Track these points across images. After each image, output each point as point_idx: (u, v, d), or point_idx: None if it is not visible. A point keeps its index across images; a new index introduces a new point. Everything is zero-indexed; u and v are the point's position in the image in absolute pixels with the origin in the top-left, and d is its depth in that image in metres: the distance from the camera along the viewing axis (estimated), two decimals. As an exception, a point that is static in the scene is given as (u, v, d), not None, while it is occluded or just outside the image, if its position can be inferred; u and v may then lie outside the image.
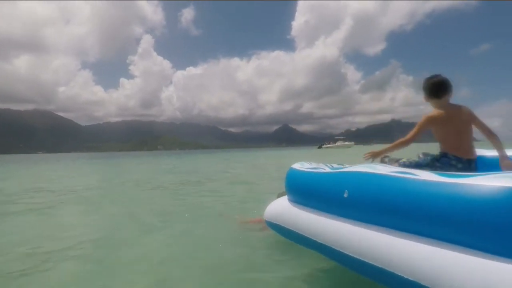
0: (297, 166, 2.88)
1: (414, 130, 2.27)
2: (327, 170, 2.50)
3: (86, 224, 4.59)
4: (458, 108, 2.24)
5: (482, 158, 2.47)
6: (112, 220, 4.75)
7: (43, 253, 3.16)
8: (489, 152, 2.55)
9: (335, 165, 2.77)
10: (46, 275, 2.62)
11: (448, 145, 2.23)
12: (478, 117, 2.22)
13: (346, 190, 2.13)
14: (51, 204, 6.29)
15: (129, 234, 3.82)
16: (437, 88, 2.24)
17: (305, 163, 2.90)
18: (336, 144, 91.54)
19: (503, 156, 2.23)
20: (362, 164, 2.27)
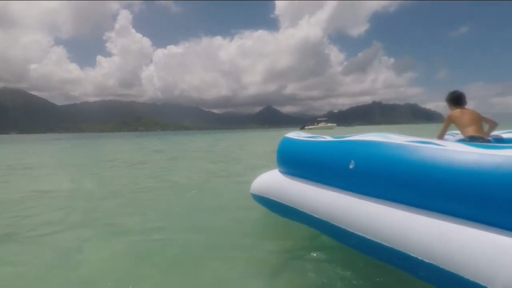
0: (292, 135, 2.56)
1: (443, 125, 3.11)
2: (329, 138, 2.19)
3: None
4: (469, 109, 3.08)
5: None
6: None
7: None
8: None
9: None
10: None
11: (467, 131, 2.89)
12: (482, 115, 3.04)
13: (352, 161, 1.84)
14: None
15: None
16: (457, 100, 3.13)
17: (302, 133, 2.59)
18: (319, 125, 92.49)
19: None
20: (370, 133, 1.97)
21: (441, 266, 1.34)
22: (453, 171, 1.39)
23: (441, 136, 3.12)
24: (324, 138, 2.24)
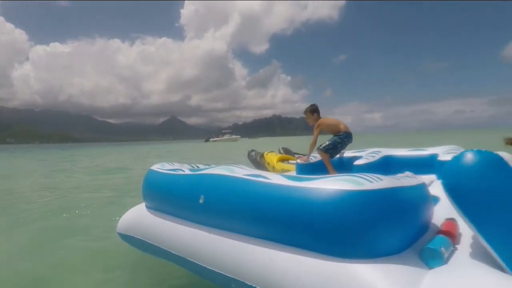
0: (156, 167, 2.53)
1: (315, 134, 3.95)
2: (187, 171, 2.27)
3: None
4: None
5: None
6: None
7: None
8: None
9: (201, 166, 2.56)
10: None
11: (341, 128, 3.88)
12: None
13: (202, 196, 1.95)
14: None
15: None
16: (317, 109, 4.14)
17: (166, 164, 2.58)
18: (224, 137, 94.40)
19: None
20: (222, 166, 2.13)
21: None
22: (271, 201, 1.59)
23: (313, 144, 3.95)
24: (183, 171, 2.31)
